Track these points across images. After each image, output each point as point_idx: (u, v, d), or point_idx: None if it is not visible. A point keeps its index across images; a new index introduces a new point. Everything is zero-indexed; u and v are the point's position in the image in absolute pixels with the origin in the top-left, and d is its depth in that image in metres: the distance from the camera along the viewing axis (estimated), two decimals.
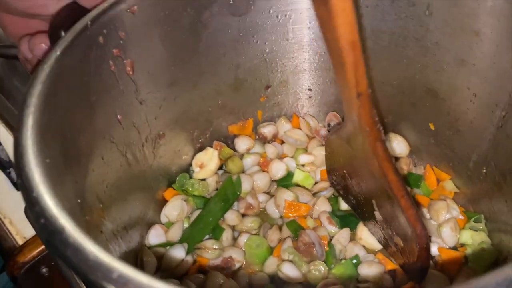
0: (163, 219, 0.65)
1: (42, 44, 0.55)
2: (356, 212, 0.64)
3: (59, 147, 0.42)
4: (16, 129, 0.38)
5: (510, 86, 0.51)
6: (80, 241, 0.29)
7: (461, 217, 0.62)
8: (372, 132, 0.48)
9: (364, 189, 0.57)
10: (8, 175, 0.81)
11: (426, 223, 0.62)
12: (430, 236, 0.60)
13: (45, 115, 0.40)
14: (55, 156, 0.40)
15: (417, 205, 0.66)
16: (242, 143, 0.73)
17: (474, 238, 0.59)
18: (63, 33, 0.52)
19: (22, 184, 0.34)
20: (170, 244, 0.61)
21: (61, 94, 0.44)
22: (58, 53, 0.44)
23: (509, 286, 0.24)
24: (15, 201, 0.80)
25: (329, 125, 0.75)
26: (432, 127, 0.66)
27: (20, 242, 0.75)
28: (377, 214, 0.56)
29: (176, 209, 0.64)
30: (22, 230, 0.78)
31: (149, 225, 0.63)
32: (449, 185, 0.66)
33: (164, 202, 0.66)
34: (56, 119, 0.43)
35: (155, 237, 0.62)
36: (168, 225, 0.64)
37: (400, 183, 0.50)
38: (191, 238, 0.62)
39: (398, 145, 0.70)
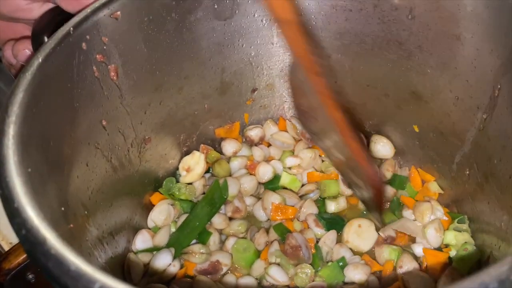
0: (150, 223, 0.65)
1: (26, 50, 0.54)
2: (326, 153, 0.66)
3: (41, 155, 0.42)
4: None
5: (491, 89, 0.52)
6: (62, 252, 0.29)
7: (445, 218, 0.63)
8: (306, 63, 0.46)
9: (323, 127, 0.56)
10: None
11: (411, 224, 0.63)
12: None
13: (27, 124, 0.40)
14: (37, 164, 0.39)
15: (402, 205, 0.66)
16: (229, 146, 0.73)
17: (457, 239, 0.60)
18: (46, 38, 0.52)
19: (3, 194, 0.33)
20: (157, 249, 0.61)
21: (44, 101, 0.44)
22: (40, 60, 0.44)
23: None
24: (0, 207, 0.79)
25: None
26: (416, 129, 0.67)
27: (6, 247, 0.74)
28: (337, 154, 0.57)
29: (163, 213, 0.64)
30: (8, 235, 0.77)
31: (136, 230, 0.63)
32: (434, 186, 0.67)
33: (151, 206, 0.66)
34: (38, 127, 0.42)
35: (141, 242, 0.61)
36: (155, 229, 0.64)
37: (345, 122, 0.50)
38: (178, 243, 0.62)
39: (383, 147, 0.70)
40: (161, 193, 0.68)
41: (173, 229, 0.64)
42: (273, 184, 0.69)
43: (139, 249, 0.61)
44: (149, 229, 0.65)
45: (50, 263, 0.29)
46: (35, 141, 0.41)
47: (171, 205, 0.66)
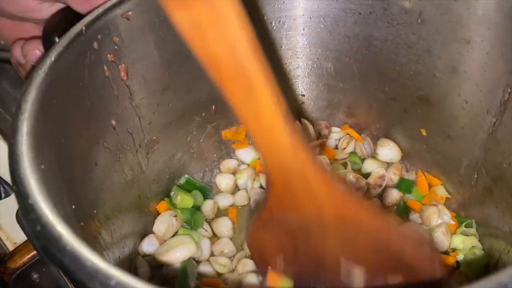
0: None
1: (36, 50, 0.54)
2: None
3: (53, 153, 0.42)
4: (10, 135, 0.38)
5: (501, 93, 0.52)
6: (77, 248, 0.29)
7: (452, 222, 0.63)
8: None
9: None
10: None
11: (418, 228, 0.63)
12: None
13: (39, 121, 0.40)
14: (49, 162, 0.39)
15: (409, 209, 0.66)
16: (246, 155, 0.73)
17: (465, 243, 0.60)
18: (56, 39, 0.52)
19: (18, 190, 0.33)
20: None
21: (56, 100, 0.44)
22: (53, 58, 0.44)
23: None
24: (5, 206, 0.79)
25: (319, 134, 0.76)
26: (423, 133, 0.67)
27: (10, 247, 0.74)
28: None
29: (164, 224, 0.64)
30: (12, 235, 0.77)
31: (143, 233, 0.63)
32: (441, 190, 0.67)
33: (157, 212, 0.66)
34: (50, 125, 0.43)
35: (149, 246, 0.61)
36: None
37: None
38: None
39: (390, 150, 0.70)
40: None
41: None
42: None
43: (146, 253, 0.61)
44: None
45: (65, 259, 0.29)
46: (47, 139, 0.41)
47: (174, 216, 0.65)
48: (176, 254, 0.60)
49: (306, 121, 0.75)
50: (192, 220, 0.66)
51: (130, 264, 0.59)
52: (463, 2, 0.51)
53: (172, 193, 0.68)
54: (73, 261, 0.29)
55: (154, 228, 0.64)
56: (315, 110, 0.77)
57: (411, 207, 0.66)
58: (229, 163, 0.74)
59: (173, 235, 0.64)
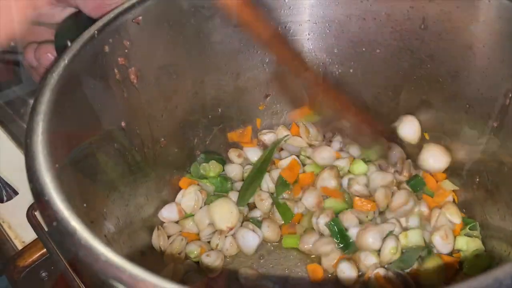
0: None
1: (48, 53, 0.55)
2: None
3: (66, 153, 0.43)
4: (26, 135, 0.39)
5: (502, 98, 0.53)
6: (92, 243, 0.31)
7: (457, 221, 0.63)
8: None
9: None
10: None
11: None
12: None
13: (53, 122, 0.42)
14: (63, 161, 0.41)
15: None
16: (252, 153, 0.75)
17: (469, 245, 0.60)
18: (69, 43, 0.54)
19: (34, 188, 0.35)
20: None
21: (69, 101, 0.45)
22: (66, 61, 0.46)
23: None
24: (14, 206, 0.81)
25: (324, 137, 0.77)
26: (426, 136, 0.68)
27: (19, 246, 0.76)
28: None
29: (191, 200, 0.67)
30: (20, 234, 0.78)
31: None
32: (448, 185, 0.67)
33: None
34: (63, 126, 0.44)
35: (168, 212, 0.66)
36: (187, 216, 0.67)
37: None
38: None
39: (395, 155, 0.71)
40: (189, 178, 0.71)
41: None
42: None
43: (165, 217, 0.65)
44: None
45: (80, 252, 0.30)
46: (60, 139, 0.43)
47: (199, 190, 0.68)
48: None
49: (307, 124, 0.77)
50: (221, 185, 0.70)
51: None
52: (465, 9, 0.53)
53: (193, 168, 0.71)
54: (87, 255, 0.30)
55: (183, 205, 0.67)
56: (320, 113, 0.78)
57: (427, 201, 0.66)
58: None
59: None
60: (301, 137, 0.75)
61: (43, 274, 0.69)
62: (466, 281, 0.27)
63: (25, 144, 0.39)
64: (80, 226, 0.32)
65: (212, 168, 0.71)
